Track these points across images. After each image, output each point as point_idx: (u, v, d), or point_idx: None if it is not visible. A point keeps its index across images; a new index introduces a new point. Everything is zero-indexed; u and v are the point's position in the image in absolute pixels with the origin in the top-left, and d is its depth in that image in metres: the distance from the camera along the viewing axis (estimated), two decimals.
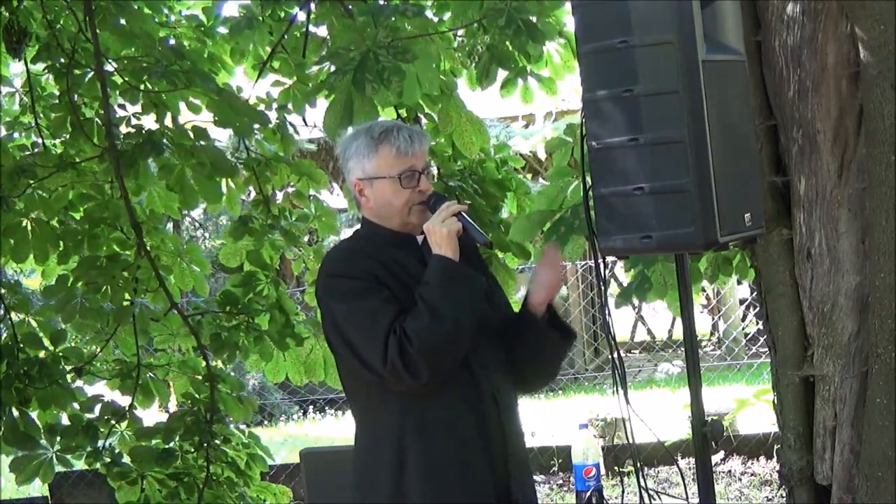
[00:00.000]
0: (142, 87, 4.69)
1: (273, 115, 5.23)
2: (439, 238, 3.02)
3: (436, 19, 4.95)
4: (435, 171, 3.28)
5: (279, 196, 5.57)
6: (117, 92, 4.81)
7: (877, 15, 3.45)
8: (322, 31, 5.19)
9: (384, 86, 4.01)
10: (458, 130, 4.91)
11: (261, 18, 5.09)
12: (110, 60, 4.79)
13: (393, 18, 4.17)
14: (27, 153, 5.09)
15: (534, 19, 4.29)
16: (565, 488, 7.91)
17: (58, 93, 5.07)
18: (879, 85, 3.46)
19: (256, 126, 4.90)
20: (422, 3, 4.79)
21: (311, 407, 12.31)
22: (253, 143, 5.19)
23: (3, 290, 4.98)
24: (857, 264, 3.65)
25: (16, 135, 5.40)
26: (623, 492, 3.72)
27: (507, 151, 5.14)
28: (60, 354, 4.90)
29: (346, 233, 4.23)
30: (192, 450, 4.90)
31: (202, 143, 4.72)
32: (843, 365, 3.69)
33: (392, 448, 3.01)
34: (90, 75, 4.86)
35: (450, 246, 3.02)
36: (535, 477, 7.94)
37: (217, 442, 4.91)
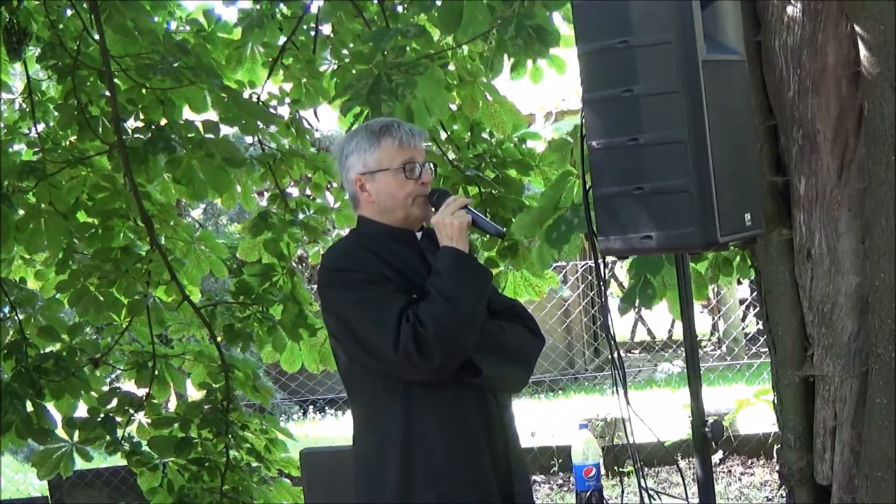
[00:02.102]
0: (148, 84, 4.69)
1: (285, 111, 5.24)
2: (451, 230, 3.04)
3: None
4: (432, 167, 3.29)
5: (294, 190, 5.58)
6: (124, 88, 4.80)
7: (877, 15, 3.45)
8: (328, 29, 5.19)
9: (398, 100, 4.01)
10: (487, 112, 4.92)
11: (270, 16, 5.08)
12: (115, 59, 4.78)
13: (399, 37, 4.17)
14: (36, 150, 5.07)
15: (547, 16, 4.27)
16: (565, 488, 7.91)
17: (58, 96, 5.05)
18: (879, 85, 3.46)
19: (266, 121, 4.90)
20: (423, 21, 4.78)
21: (311, 407, 12.31)
22: (267, 137, 5.20)
23: (6, 287, 4.98)
24: (857, 264, 3.65)
25: (16, 146, 5.38)
26: (623, 492, 3.73)
27: (524, 126, 5.12)
28: (77, 346, 4.91)
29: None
30: (211, 437, 4.96)
31: (212, 136, 4.73)
32: (843, 365, 3.69)
33: (398, 446, 3.01)
34: (95, 74, 4.86)
35: (461, 238, 3.04)
36: (535, 477, 7.97)
37: (236, 429, 4.94)
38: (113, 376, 5.21)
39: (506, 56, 4.40)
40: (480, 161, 4.91)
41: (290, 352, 5.22)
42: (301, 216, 5.18)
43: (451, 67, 4.93)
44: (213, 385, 5.04)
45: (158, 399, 5.09)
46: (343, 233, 5.44)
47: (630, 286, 4.36)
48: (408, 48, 4.23)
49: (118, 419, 4.96)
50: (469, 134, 4.99)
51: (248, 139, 5.29)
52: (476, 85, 4.89)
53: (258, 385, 5.10)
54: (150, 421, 5.04)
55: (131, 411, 4.97)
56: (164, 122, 4.79)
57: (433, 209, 3.11)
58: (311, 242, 5.28)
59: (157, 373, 5.01)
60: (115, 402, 4.97)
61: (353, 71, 4.34)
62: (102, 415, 4.94)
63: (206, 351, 5.12)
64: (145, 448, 5.00)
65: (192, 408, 5.01)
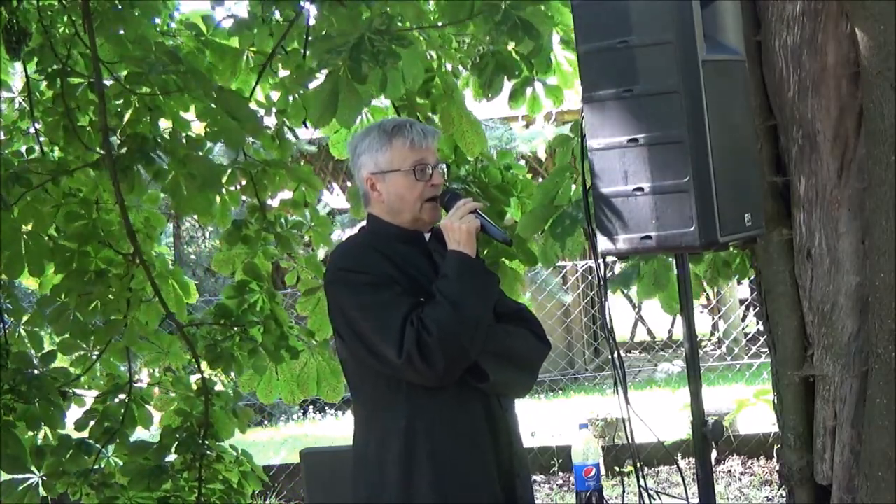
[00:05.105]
0: (137, 91, 4.63)
1: (272, 121, 5.17)
2: (459, 235, 3.03)
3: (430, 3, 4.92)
4: (445, 168, 3.28)
5: (275, 201, 5.50)
6: (112, 95, 4.76)
7: (877, 15, 3.45)
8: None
9: (380, 66, 4.00)
10: (460, 131, 4.88)
11: (262, 19, 5.03)
12: (105, 65, 4.72)
13: (387, 7, 4.16)
14: (27, 159, 5.01)
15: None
16: (565, 488, 7.91)
17: (53, 98, 5.01)
18: (879, 85, 3.46)
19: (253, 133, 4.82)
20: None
21: (311, 407, 12.30)
22: (251, 152, 5.13)
23: None
24: (857, 264, 3.65)
25: (15, 141, 5.35)
26: (623, 492, 3.73)
27: (511, 158, 5.11)
28: (49, 374, 4.71)
29: (348, 232, 4.21)
30: (184, 469, 4.76)
31: (196, 153, 4.63)
32: (843, 365, 3.69)
33: (401, 447, 3.01)
34: (85, 82, 4.81)
35: (469, 243, 3.04)
36: (535, 477, 7.98)
37: (210, 459, 4.77)
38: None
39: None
40: (465, 181, 4.89)
41: (268, 383, 5.10)
42: (278, 229, 5.03)
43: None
44: (190, 411, 4.84)
45: (129, 432, 4.86)
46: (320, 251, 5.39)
47: (621, 270, 4.38)
48: (400, 19, 4.22)
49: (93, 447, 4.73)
50: (454, 156, 4.96)
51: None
52: (453, 100, 4.85)
53: (236, 409, 4.97)
54: (123, 453, 4.79)
55: (100, 446, 4.75)
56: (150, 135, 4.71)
57: (444, 210, 3.11)
58: (284, 259, 5.18)
59: (132, 398, 4.80)
60: (87, 433, 4.75)
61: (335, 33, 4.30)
62: (75, 442, 4.71)
63: (183, 380, 4.95)
64: (115, 481, 4.71)
65: (168, 433, 4.81)
